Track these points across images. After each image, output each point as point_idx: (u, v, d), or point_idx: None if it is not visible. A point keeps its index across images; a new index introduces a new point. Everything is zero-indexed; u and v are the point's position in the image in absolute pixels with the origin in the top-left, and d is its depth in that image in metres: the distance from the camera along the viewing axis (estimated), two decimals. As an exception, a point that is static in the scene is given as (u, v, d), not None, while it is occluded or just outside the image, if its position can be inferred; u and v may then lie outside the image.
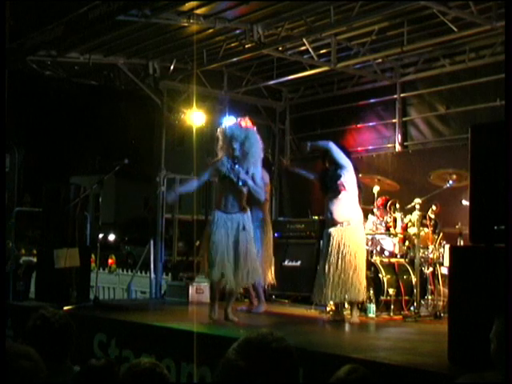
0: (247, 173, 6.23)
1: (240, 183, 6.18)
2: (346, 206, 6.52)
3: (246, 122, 6.45)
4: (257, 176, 6.24)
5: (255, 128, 6.52)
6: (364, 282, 6.52)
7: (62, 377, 2.98)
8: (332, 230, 6.56)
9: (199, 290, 8.50)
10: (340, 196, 6.52)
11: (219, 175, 6.37)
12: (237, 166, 6.18)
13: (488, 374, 1.90)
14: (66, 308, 6.83)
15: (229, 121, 10.10)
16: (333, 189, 6.54)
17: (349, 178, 6.54)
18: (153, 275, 9.51)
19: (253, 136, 6.30)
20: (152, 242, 9.58)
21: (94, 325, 6.44)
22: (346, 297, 6.44)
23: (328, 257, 6.51)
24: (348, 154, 6.73)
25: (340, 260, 6.43)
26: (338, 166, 6.52)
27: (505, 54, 4.06)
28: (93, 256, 8.95)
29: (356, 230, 6.56)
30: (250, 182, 6.21)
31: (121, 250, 22.02)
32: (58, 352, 3.08)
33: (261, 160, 6.36)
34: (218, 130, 6.48)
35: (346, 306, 6.82)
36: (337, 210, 6.53)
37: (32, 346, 2.47)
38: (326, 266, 6.49)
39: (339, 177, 6.50)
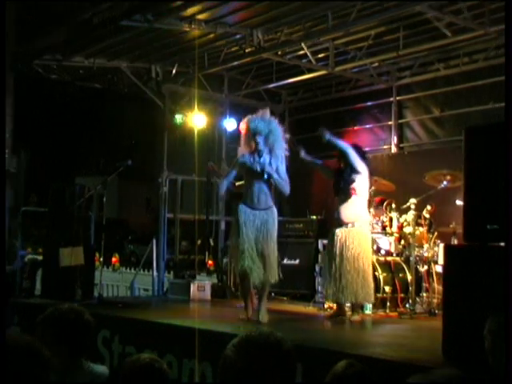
0: (270, 165, 6.07)
1: (265, 176, 6.02)
2: (354, 208, 6.51)
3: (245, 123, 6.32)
4: (281, 169, 6.10)
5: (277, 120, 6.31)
6: (371, 285, 6.48)
7: (78, 375, 2.90)
8: (337, 230, 6.54)
9: (200, 287, 8.49)
10: (350, 199, 6.52)
11: (245, 170, 6.18)
12: (262, 159, 6.03)
13: (438, 372, 1.89)
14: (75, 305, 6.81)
15: (229, 122, 10.16)
16: (344, 191, 6.53)
17: (362, 183, 6.53)
18: (155, 273, 9.50)
19: (277, 129, 6.16)
20: (154, 241, 9.57)
21: (99, 322, 6.42)
22: (351, 297, 6.41)
23: (332, 257, 6.50)
24: (364, 155, 6.66)
25: (344, 261, 6.41)
26: (353, 170, 6.50)
27: (505, 55, 4.06)
28: (97, 254, 8.95)
29: (361, 232, 6.51)
30: (276, 175, 6.07)
31: (124, 249, 22.01)
32: (74, 349, 2.95)
33: (284, 153, 6.19)
34: (241, 124, 6.30)
35: (348, 304, 6.81)
36: (344, 211, 6.52)
37: (43, 341, 2.30)
38: (333, 266, 6.47)
39: (352, 181, 6.49)
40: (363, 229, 6.57)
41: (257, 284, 6.09)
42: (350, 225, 6.50)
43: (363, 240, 6.53)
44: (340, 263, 6.42)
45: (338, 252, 6.46)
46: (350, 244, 6.44)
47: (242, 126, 6.24)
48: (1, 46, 6.08)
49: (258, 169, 6.05)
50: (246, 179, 6.23)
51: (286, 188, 6.16)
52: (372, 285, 6.50)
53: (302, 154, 6.73)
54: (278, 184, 6.12)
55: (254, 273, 5.96)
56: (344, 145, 6.55)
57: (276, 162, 6.10)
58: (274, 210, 6.19)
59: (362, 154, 6.65)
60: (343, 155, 6.54)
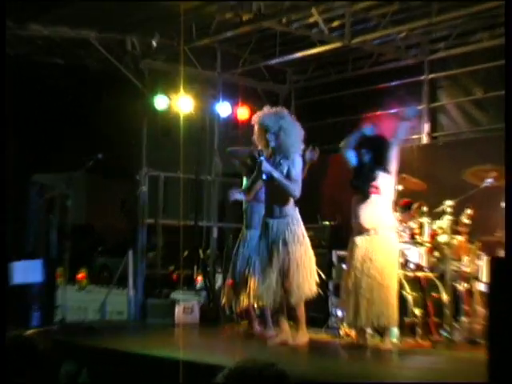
0: (280, 165, 6.42)
1: (264, 176, 6.35)
2: (375, 210, 6.49)
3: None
4: (293, 169, 6.40)
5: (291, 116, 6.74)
6: (395, 305, 6.47)
7: None
8: (357, 238, 6.54)
9: (187, 309, 8.47)
10: (370, 199, 6.48)
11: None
12: (262, 158, 6.38)
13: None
14: (27, 333, 6.78)
15: (223, 107, 10.12)
16: (364, 189, 6.50)
17: (387, 180, 6.52)
18: (132, 292, 9.48)
19: (289, 125, 6.52)
20: (131, 253, 9.55)
21: (61, 352, 6.40)
22: (371, 320, 6.38)
23: (351, 271, 6.48)
24: (386, 144, 6.65)
25: (365, 276, 6.39)
26: (379, 164, 6.49)
27: (505, 55, 4.05)
28: (59, 269, 8.91)
29: (385, 241, 6.51)
30: (277, 174, 6.35)
31: (94, 262, 21.97)
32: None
33: (300, 151, 6.54)
34: (253, 119, 6.69)
35: (369, 330, 6.77)
36: (364, 215, 6.49)
37: None
38: (350, 283, 6.46)
39: (374, 178, 6.46)
40: (388, 236, 6.53)
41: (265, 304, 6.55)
42: (372, 231, 6.46)
43: (388, 251, 6.51)
44: (360, 279, 6.39)
45: (358, 265, 6.43)
46: (373, 255, 6.41)
47: (254, 120, 6.65)
48: (1, 47, 6.31)
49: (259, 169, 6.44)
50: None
51: (293, 190, 6.42)
52: (396, 305, 6.49)
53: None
54: (282, 185, 6.39)
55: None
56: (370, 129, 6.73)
57: (285, 160, 6.43)
58: (293, 217, 6.50)
59: (383, 146, 6.64)
60: (367, 142, 6.59)
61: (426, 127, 9.98)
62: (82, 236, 23.95)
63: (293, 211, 6.53)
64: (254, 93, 11.14)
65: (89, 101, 22.49)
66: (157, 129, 10.61)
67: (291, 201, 6.52)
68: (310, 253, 6.60)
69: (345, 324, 6.96)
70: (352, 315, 6.45)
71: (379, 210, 6.51)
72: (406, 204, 7.90)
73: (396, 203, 6.94)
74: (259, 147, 6.57)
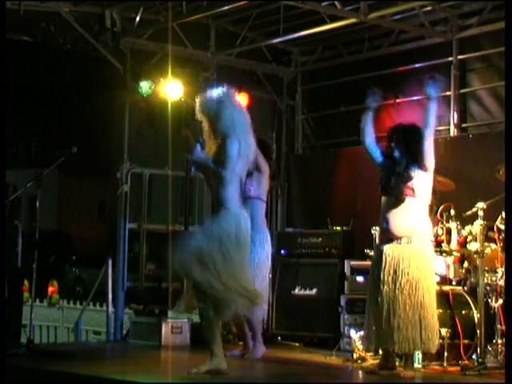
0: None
1: (192, 169, 6.55)
2: (409, 216, 6.49)
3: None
4: (224, 153, 6.30)
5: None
6: (436, 325, 6.48)
7: None
8: (386, 247, 6.53)
9: (176, 328, 8.48)
10: (404, 203, 6.49)
11: None
12: (198, 146, 6.44)
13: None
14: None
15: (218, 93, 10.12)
16: (397, 191, 6.50)
17: (424, 180, 6.54)
18: (111, 309, 9.47)
19: (221, 107, 6.47)
20: (110, 263, 9.55)
21: (28, 379, 6.40)
22: (407, 347, 6.37)
23: (379, 285, 6.48)
24: (421, 134, 6.63)
25: (396, 292, 6.39)
26: (415, 163, 6.50)
27: (505, 55, 4.07)
28: (26, 283, 8.90)
29: (420, 250, 6.51)
30: (204, 160, 6.40)
31: (66, 274, 22.00)
32: None
33: (236, 135, 6.39)
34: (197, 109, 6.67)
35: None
36: (396, 221, 6.50)
37: None
38: (379, 298, 6.46)
39: (411, 178, 6.47)
40: (424, 246, 6.55)
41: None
42: (404, 239, 6.48)
43: (424, 262, 6.51)
44: (390, 294, 6.40)
45: (386, 278, 6.44)
46: (406, 267, 6.42)
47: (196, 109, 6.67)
48: (1, 44, 6.33)
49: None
50: None
51: (221, 177, 6.30)
52: (437, 326, 6.50)
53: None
54: (209, 172, 6.45)
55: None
56: (430, 124, 6.68)
57: (224, 149, 6.35)
58: (227, 212, 6.30)
59: (416, 139, 6.63)
60: (403, 134, 6.61)
61: (455, 117, 9.97)
62: (52, 244, 23.95)
63: (233, 207, 6.36)
64: (253, 77, 11.14)
65: (61, 85, 22.46)
66: (141, 118, 10.62)
67: (233, 194, 6.37)
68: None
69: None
70: (378, 337, 6.42)
71: (414, 216, 6.51)
72: (430, 207, 7.91)
73: (432, 207, 6.91)
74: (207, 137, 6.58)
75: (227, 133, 6.39)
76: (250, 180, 7.35)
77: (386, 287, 6.42)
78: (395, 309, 6.37)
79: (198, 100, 6.64)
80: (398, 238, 6.48)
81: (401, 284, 6.39)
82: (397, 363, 6.61)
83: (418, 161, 6.52)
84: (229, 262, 6.16)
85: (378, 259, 6.57)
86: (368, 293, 6.79)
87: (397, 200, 6.52)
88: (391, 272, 6.44)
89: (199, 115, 6.60)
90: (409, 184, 6.48)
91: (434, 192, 6.73)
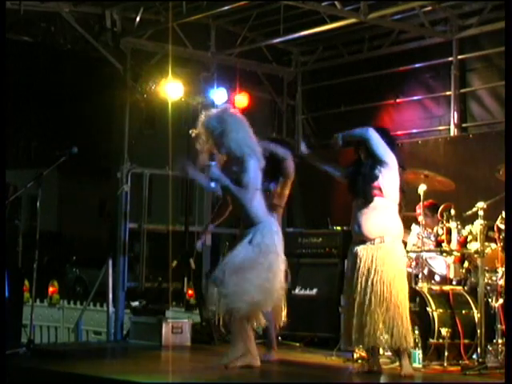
0: (234, 173, 6.54)
1: (213, 184, 6.54)
2: (380, 216, 6.50)
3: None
4: (243, 174, 6.50)
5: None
6: (407, 322, 6.48)
7: None
8: (359, 248, 6.55)
9: (176, 328, 8.46)
10: (373, 203, 6.50)
11: None
12: (212, 163, 6.53)
13: None
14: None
15: (218, 93, 10.12)
16: (365, 192, 6.51)
17: (389, 179, 6.52)
18: (111, 309, 9.48)
19: (232, 126, 6.61)
20: (110, 263, 9.55)
21: (29, 379, 6.40)
22: (383, 341, 6.40)
23: (353, 285, 6.50)
24: (393, 143, 6.67)
25: (370, 291, 6.41)
26: (376, 162, 6.50)
27: (505, 55, 4.07)
28: (26, 283, 8.91)
29: (392, 251, 6.51)
30: (226, 181, 6.51)
31: (66, 274, 22.03)
32: None
33: (254, 154, 6.58)
34: (199, 125, 6.77)
35: (381, 351, 6.78)
36: (367, 222, 6.51)
37: None
38: (355, 298, 6.48)
39: (376, 177, 6.47)
40: (396, 245, 6.56)
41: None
42: (377, 240, 6.49)
43: (396, 261, 6.52)
44: (366, 294, 6.41)
45: (360, 279, 6.45)
46: (379, 266, 6.42)
47: (199, 124, 6.75)
48: (1, 44, 6.35)
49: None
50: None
51: (244, 197, 6.55)
52: (409, 323, 6.47)
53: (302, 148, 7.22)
54: (232, 193, 6.60)
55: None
56: (362, 131, 6.64)
57: (238, 166, 6.56)
58: (262, 225, 6.57)
59: (390, 140, 6.66)
60: (362, 142, 6.58)
61: (455, 117, 9.97)
62: (52, 244, 23.95)
63: (264, 219, 6.62)
64: (253, 77, 11.14)
65: (61, 85, 22.47)
66: (140, 119, 10.62)
67: (259, 208, 6.62)
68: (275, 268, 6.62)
69: (360, 346, 6.97)
70: (357, 335, 6.44)
71: (385, 215, 6.52)
72: (430, 206, 7.90)
73: (401, 205, 6.88)
74: (206, 152, 6.71)
75: (243, 152, 6.55)
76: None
77: (359, 287, 6.44)
78: (370, 308, 6.37)
79: (201, 118, 6.73)
80: (370, 240, 6.50)
81: (374, 283, 6.40)
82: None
83: (380, 159, 6.51)
84: (269, 270, 6.47)
85: (352, 261, 6.58)
86: (344, 295, 6.81)
87: (366, 201, 6.52)
88: (365, 272, 6.45)
89: (201, 131, 6.69)
90: (375, 184, 6.48)
91: (402, 190, 6.72)
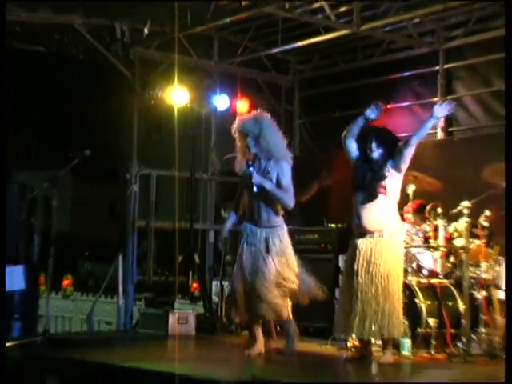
0: (268, 173, 6.61)
1: (255, 189, 6.54)
2: (380, 211, 6.52)
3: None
4: (283, 177, 6.61)
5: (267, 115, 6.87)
6: (401, 313, 6.51)
7: None
8: (359, 241, 6.57)
9: (182, 319, 8.47)
10: (376, 200, 6.52)
11: (241, 182, 6.88)
12: (250, 168, 6.57)
13: None
14: (6, 345, 6.80)
15: (221, 99, 10.15)
16: (371, 188, 6.53)
17: (395, 180, 6.57)
18: (121, 301, 9.51)
19: (269, 129, 6.69)
20: (120, 258, 9.57)
21: (45, 366, 6.42)
22: (376, 331, 6.41)
23: (353, 276, 6.51)
24: (397, 143, 6.68)
25: (368, 282, 6.42)
26: (393, 166, 6.52)
27: (505, 55, 4.09)
28: (42, 276, 8.93)
29: (391, 244, 6.54)
30: (269, 185, 6.56)
31: (79, 269, 22.00)
32: None
33: (288, 157, 6.71)
34: (233, 127, 6.83)
35: (373, 341, 6.80)
36: (368, 216, 6.52)
37: None
38: (352, 288, 6.50)
39: (384, 177, 6.50)
40: (394, 239, 6.58)
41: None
42: (376, 234, 6.51)
43: (394, 254, 6.55)
44: (364, 285, 6.43)
45: (360, 270, 6.48)
46: (377, 259, 6.45)
47: (234, 127, 6.82)
48: (1, 46, 6.37)
49: (248, 180, 6.63)
50: (246, 193, 6.86)
51: (287, 200, 6.68)
52: (401, 314, 6.52)
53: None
54: (274, 196, 6.63)
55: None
56: (417, 135, 6.66)
57: (274, 167, 6.63)
58: (281, 228, 6.75)
59: (395, 142, 6.66)
60: (377, 136, 6.59)
61: (442, 121, 9.98)
62: (66, 240, 23.92)
63: (281, 221, 6.77)
64: (254, 84, 11.15)
65: (74, 93, 22.44)
66: (148, 123, 10.62)
67: (280, 210, 6.74)
68: (294, 265, 6.81)
69: (353, 335, 6.98)
70: (353, 326, 6.46)
71: (385, 212, 6.54)
72: (419, 205, 7.92)
73: (399, 204, 6.92)
74: (241, 158, 6.79)
75: (280, 155, 6.66)
76: None
77: (359, 278, 6.46)
78: (368, 298, 6.40)
79: (236, 121, 6.80)
80: (371, 233, 6.52)
81: (372, 275, 6.42)
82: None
83: (394, 162, 6.53)
84: (291, 268, 6.78)
85: (352, 252, 6.61)
86: (341, 284, 6.88)
87: (370, 196, 6.53)
88: (364, 264, 6.49)
89: (236, 134, 6.77)
90: (382, 182, 6.50)
91: (403, 191, 6.77)
